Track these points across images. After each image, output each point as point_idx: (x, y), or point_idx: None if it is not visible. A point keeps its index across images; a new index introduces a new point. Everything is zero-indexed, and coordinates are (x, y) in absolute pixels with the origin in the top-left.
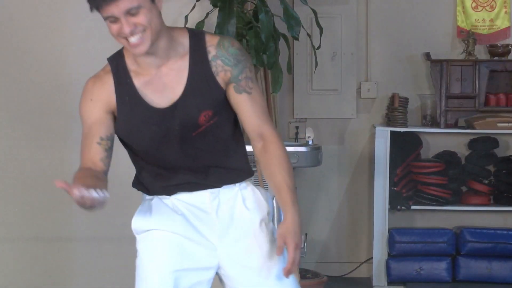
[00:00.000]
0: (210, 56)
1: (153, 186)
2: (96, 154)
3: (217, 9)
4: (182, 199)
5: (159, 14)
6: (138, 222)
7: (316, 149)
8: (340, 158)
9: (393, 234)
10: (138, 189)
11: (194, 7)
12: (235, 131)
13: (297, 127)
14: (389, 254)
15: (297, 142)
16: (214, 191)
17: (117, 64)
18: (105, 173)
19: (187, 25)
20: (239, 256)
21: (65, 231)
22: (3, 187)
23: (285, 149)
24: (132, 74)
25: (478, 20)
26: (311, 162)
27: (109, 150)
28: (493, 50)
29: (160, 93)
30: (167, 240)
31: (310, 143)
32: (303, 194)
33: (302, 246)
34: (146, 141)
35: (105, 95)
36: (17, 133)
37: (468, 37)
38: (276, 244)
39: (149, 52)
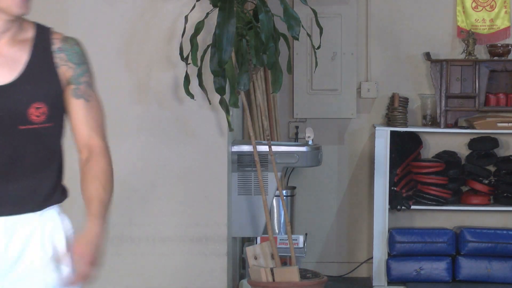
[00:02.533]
0: (54, 47)
1: None
2: None
3: (217, 9)
4: None
5: None
6: None
7: (316, 149)
8: (340, 158)
9: (393, 234)
10: None
11: (194, 7)
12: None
13: (297, 127)
14: (389, 254)
15: (297, 142)
16: (9, 219)
17: None
18: None
19: (187, 25)
20: None
21: None
22: None
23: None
24: None
25: (478, 20)
26: (311, 162)
27: None
28: (493, 50)
29: None
30: None
31: (310, 143)
32: (303, 194)
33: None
34: None
35: None
36: None
37: (468, 37)
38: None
39: None
